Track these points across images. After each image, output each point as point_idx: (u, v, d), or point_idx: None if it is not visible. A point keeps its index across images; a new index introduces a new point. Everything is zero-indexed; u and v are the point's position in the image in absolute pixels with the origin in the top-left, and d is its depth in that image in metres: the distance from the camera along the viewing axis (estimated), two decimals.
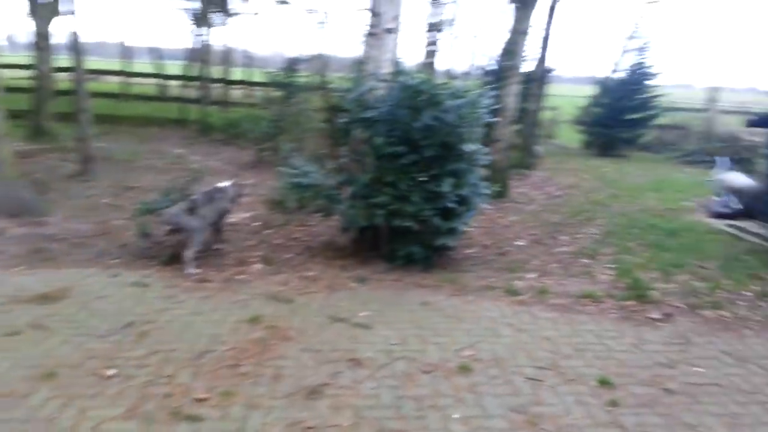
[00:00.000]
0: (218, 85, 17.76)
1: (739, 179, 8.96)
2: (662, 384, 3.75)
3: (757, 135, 14.43)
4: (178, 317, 4.44)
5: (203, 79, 16.53)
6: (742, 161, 13.31)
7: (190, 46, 24.90)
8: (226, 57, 22.13)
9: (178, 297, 4.81)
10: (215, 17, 19.90)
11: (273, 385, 3.56)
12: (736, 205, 8.47)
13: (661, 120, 18.76)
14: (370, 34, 5.99)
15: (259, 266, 5.66)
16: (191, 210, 5.49)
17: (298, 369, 3.77)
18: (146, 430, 3.03)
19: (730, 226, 8.02)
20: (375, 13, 5.91)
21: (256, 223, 7.18)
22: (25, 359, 3.66)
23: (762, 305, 5.15)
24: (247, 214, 7.56)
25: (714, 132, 16.89)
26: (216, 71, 18.61)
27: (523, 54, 10.24)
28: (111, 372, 3.58)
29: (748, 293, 5.43)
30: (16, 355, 3.71)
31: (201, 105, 15.90)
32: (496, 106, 7.29)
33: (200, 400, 3.33)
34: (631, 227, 7.71)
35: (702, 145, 15.81)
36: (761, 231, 7.62)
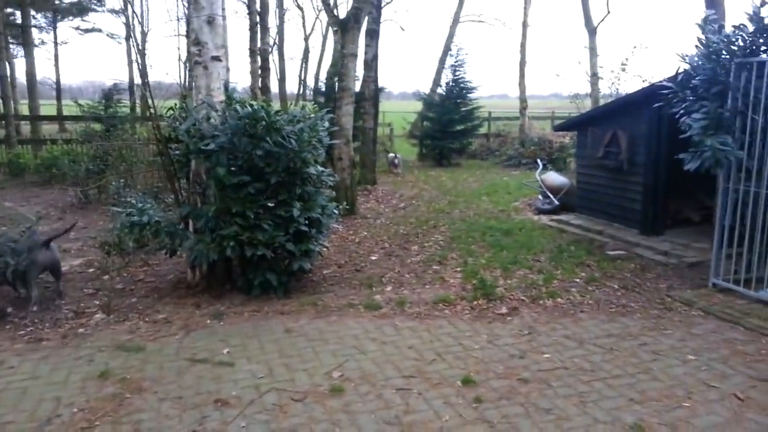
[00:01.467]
0: (25, 121, 16.05)
1: (554, 178, 10.07)
2: (517, 375, 4.06)
3: (564, 137, 16.36)
4: (11, 384, 3.91)
5: (7, 117, 14.84)
6: (554, 161, 15.00)
7: None
8: (32, 90, 20.14)
9: (9, 361, 4.25)
10: (13, 48, 18.03)
11: None
12: (554, 201, 9.51)
13: (484, 129, 20.50)
14: (197, 63, 5.83)
15: (100, 315, 5.19)
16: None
17: (159, 420, 3.51)
18: None
19: (554, 220, 8.97)
20: (199, 42, 5.76)
21: (91, 269, 6.59)
22: None
23: (591, 289, 5.82)
24: (79, 261, 6.92)
25: (528, 136, 18.83)
26: (21, 106, 16.82)
27: (355, 75, 10.60)
28: None
29: (578, 280, 6.10)
30: None
31: (7, 145, 14.25)
32: (334, 128, 7.47)
33: None
34: (472, 231, 8.29)
35: (520, 149, 17.52)
36: (581, 222, 8.62)
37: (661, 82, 6.00)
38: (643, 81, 15.03)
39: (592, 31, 19.70)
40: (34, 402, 3.71)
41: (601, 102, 16.89)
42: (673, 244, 7.22)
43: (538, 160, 11.62)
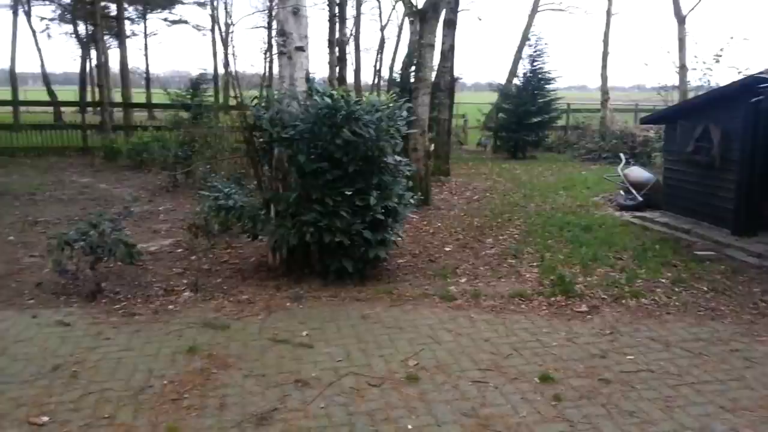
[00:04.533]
0: (118, 108, 17.01)
1: (638, 173, 9.67)
2: (598, 375, 3.96)
3: (648, 131, 15.63)
4: (108, 355, 4.20)
5: (103, 104, 15.77)
6: (637, 156, 14.37)
7: (81, 69, 23.72)
8: (124, 79, 21.28)
9: (106, 333, 4.55)
10: (108, 40, 19.11)
11: (219, 415, 3.45)
12: (637, 197, 9.14)
13: (562, 121, 19.90)
14: (281, 53, 5.99)
15: (188, 294, 5.46)
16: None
17: (244, 396, 3.67)
18: None
19: (637, 217, 8.63)
20: (284, 33, 5.92)
21: (179, 250, 6.93)
22: None
23: (677, 290, 5.57)
24: (168, 241, 7.29)
25: (609, 130, 18.11)
26: (115, 94, 17.83)
27: (431, 65, 10.56)
28: (44, 419, 3.33)
29: (664, 280, 5.85)
30: None
31: (103, 131, 15.15)
32: (411, 118, 7.47)
33: None
34: (548, 225, 8.10)
35: (600, 142, 16.91)
36: (666, 220, 8.25)
37: (761, 74, 5.62)
38: (739, 73, 14.11)
39: (681, 20, 18.67)
40: (128, 372, 3.96)
41: (690, 95, 16.01)
42: (767, 246, 6.79)
43: (621, 155, 11.18)
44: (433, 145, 12.43)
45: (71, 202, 9.46)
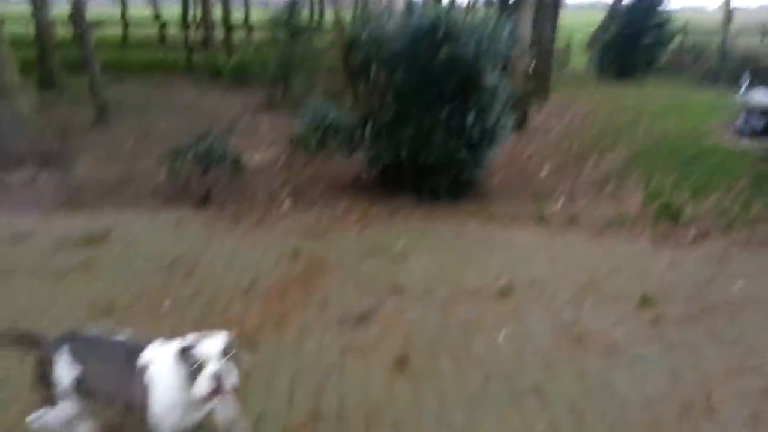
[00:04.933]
0: (220, 28, 17.37)
1: (763, 96, 8.80)
2: (702, 301, 3.83)
3: None
4: (219, 255, 4.53)
5: (206, 22, 16.17)
6: (762, 80, 13.02)
7: None
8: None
9: (216, 236, 4.89)
10: None
11: (321, 313, 3.67)
12: (759, 123, 8.37)
13: (675, 43, 18.26)
14: None
15: (289, 204, 5.71)
16: None
17: (343, 298, 3.86)
18: None
19: (756, 145, 7.95)
20: None
21: (279, 163, 7.19)
22: (82, 298, 3.77)
23: None
24: (269, 155, 7.56)
25: (731, 52, 16.46)
26: (216, 13, 18.17)
27: None
28: (166, 307, 3.69)
29: None
30: (74, 295, 3.82)
31: (206, 49, 15.61)
32: (512, 37, 7.13)
33: (255, 329, 3.44)
34: (656, 150, 7.66)
35: (719, 66, 15.45)
36: None
37: None
38: None
39: None
40: (238, 271, 4.26)
41: None
42: None
43: (743, 77, 10.17)
44: (533, 66, 11.88)
45: (179, 116, 9.96)
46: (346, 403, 2.77)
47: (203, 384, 2.09)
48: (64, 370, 2.28)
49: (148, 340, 2.31)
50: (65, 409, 2.32)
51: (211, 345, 2.13)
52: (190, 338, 2.21)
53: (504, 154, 7.46)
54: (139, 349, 2.26)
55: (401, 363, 3.10)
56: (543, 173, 6.88)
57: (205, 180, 5.83)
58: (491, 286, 4.03)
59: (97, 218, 5.17)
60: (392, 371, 3.04)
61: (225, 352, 2.14)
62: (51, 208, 5.44)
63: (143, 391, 2.17)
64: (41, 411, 2.34)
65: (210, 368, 2.09)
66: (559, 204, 5.74)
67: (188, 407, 2.18)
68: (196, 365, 2.10)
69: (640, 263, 4.40)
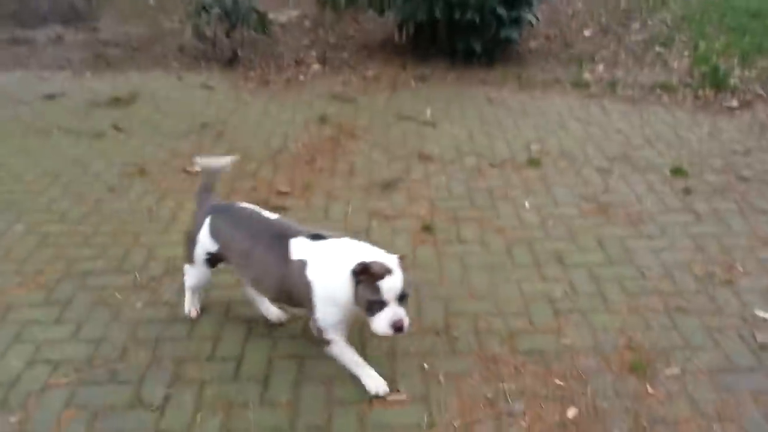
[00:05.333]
0: None
1: None
2: (737, 172, 3.73)
3: None
4: (248, 117, 4.52)
5: None
6: None
7: None
8: None
9: (244, 98, 4.85)
10: None
11: (348, 178, 3.70)
12: None
13: None
14: None
15: (317, 66, 5.56)
16: None
17: (370, 164, 3.87)
18: None
19: None
20: None
21: (307, 22, 6.90)
22: (115, 159, 3.87)
23: None
24: (296, 12, 7.24)
25: None
26: None
27: None
28: (197, 169, 3.76)
29: None
30: (107, 156, 3.92)
31: None
32: None
33: (284, 193, 3.51)
34: (709, 10, 7.07)
35: None
36: None
37: None
38: None
39: None
40: (267, 134, 4.27)
41: None
42: None
43: None
44: None
45: None
46: None
47: (383, 324, 1.91)
48: (204, 241, 2.27)
49: (297, 229, 2.16)
50: (196, 274, 2.38)
51: (393, 281, 1.88)
52: (354, 249, 2.02)
53: (545, 12, 7.02)
54: (285, 236, 2.11)
55: (426, 228, 3.16)
56: (585, 34, 6.48)
57: (231, 39, 5.66)
58: (521, 155, 3.97)
59: (124, 78, 5.16)
60: (417, 236, 3.11)
61: (404, 286, 1.92)
62: (79, 67, 5.42)
63: (306, 287, 2.04)
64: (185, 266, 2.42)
65: (392, 311, 1.90)
66: (600, 68, 5.46)
67: (350, 315, 2.08)
68: (376, 299, 1.89)
69: (678, 132, 4.25)
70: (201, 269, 2.35)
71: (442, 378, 2.22)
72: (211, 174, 2.48)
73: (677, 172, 3.71)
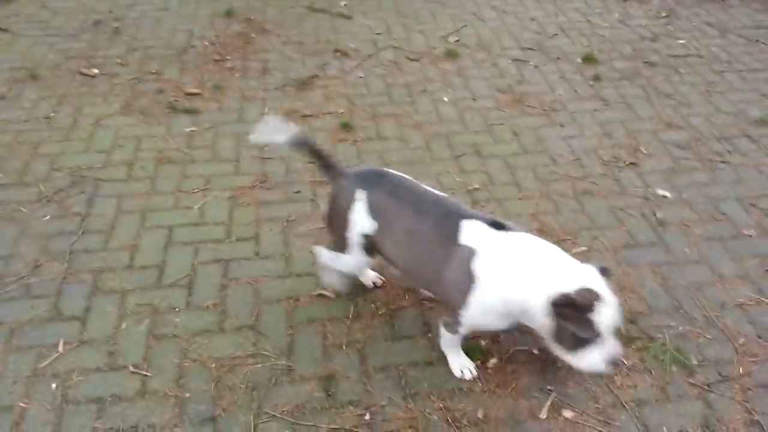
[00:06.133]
0: None
1: None
2: (644, 57, 3.86)
3: None
4: (146, 13, 4.16)
5: None
6: None
7: None
8: None
9: None
10: None
11: (262, 78, 3.54)
12: None
13: None
14: None
15: None
16: None
17: (284, 62, 3.71)
18: (148, 123, 3.08)
19: None
20: None
21: None
22: (1, 63, 3.50)
23: None
24: None
25: None
26: None
27: None
28: (94, 71, 3.48)
29: None
30: None
31: None
32: None
33: (193, 95, 3.33)
34: None
35: None
36: None
37: None
38: None
39: None
40: (168, 32, 3.96)
41: None
42: None
43: None
44: None
45: None
46: (291, 167, 2.83)
47: (597, 362, 1.54)
48: (358, 220, 1.83)
49: (472, 211, 1.76)
50: (350, 260, 1.95)
51: (608, 312, 1.48)
52: (544, 256, 1.59)
53: None
54: (457, 216, 1.71)
55: (345, 126, 3.12)
56: None
57: None
58: (437, 48, 3.92)
59: None
60: (336, 134, 3.07)
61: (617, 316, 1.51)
62: None
63: (466, 281, 1.65)
64: (327, 250, 2.03)
65: (608, 346, 1.52)
66: None
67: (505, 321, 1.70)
68: (587, 336, 1.50)
69: (590, 19, 4.30)
70: (356, 255, 1.91)
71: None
72: (298, 145, 1.95)
73: (588, 59, 3.80)
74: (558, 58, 3.82)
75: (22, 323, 2.03)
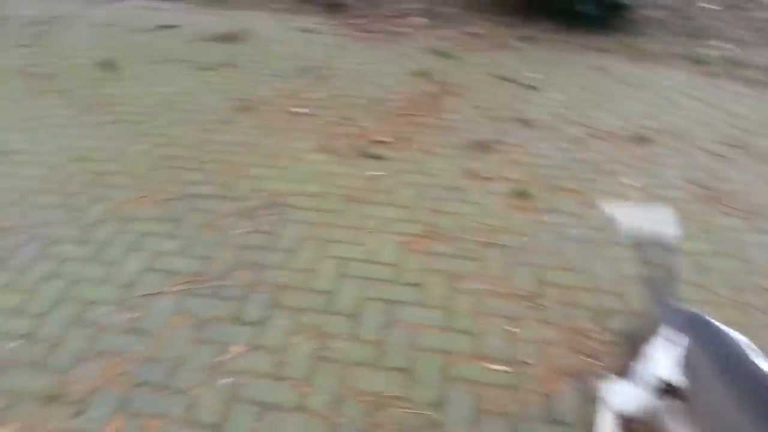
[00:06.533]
0: None
1: None
2: None
3: None
4: (349, 65, 4.55)
5: None
6: None
7: None
8: None
9: (347, 45, 4.88)
10: None
11: (445, 136, 3.67)
12: None
13: None
14: None
15: (419, 19, 5.49)
16: None
17: (469, 124, 3.83)
18: (339, 162, 3.33)
19: None
20: None
21: None
22: (224, 92, 4.01)
23: None
24: None
25: None
26: None
27: None
28: (300, 110, 3.85)
29: None
30: (216, 88, 4.07)
31: None
32: None
33: (381, 142, 3.55)
34: None
35: None
36: None
37: None
38: None
39: None
40: (367, 83, 4.27)
41: None
42: None
43: None
44: None
45: None
46: (463, 223, 2.88)
47: None
48: (662, 365, 1.49)
49: None
50: (630, 396, 1.63)
51: None
52: None
53: None
54: None
55: (521, 194, 3.12)
56: (710, 7, 6.04)
57: None
58: (626, 130, 3.81)
59: (232, 16, 5.28)
60: (511, 200, 3.08)
61: None
62: (191, 1, 5.60)
63: None
64: (615, 381, 1.75)
65: None
66: (723, 46, 5.10)
67: None
68: None
69: None
70: (641, 393, 1.57)
71: (528, 343, 2.23)
72: (660, 250, 1.64)
73: None
74: (763, 159, 3.53)
75: (208, 319, 2.25)
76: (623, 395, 1.67)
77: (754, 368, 1.33)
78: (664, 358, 1.48)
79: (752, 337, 2.26)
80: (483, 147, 3.57)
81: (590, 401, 1.96)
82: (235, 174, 3.14)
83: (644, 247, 1.65)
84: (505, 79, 4.44)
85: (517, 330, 2.28)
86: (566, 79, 4.46)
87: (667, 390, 1.49)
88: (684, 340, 1.46)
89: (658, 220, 1.62)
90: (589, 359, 2.18)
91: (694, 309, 1.59)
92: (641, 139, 3.70)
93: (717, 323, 1.50)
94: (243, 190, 3.02)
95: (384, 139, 3.58)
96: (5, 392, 1.95)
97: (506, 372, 2.11)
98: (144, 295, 2.34)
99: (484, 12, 5.69)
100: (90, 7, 5.36)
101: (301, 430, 1.87)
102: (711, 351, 1.42)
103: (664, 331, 1.51)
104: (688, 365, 1.43)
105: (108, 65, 4.26)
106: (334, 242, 2.69)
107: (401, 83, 4.31)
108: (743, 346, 1.42)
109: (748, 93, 4.32)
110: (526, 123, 3.86)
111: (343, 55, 4.71)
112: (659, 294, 1.64)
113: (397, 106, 3.99)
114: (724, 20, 5.67)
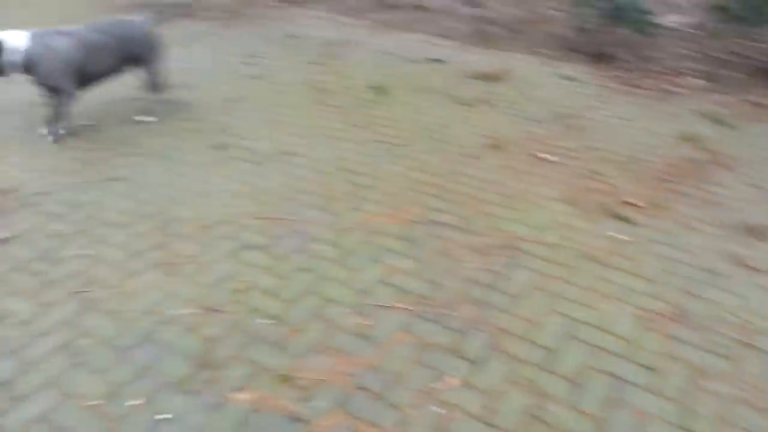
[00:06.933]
0: None
1: None
2: None
3: None
4: (607, 118, 4.36)
5: None
6: None
7: None
8: None
9: (608, 97, 4.69)
10: None
11: (710, 211, 3.30)
12: None
13: None
14: None
15: (696, 81, 5.05)
16: None
17: (740, 203, 3.39)
18: (581, 216, 3.19)
19: None
20: None
21: (690, 30, 6.28)
22: (477, 128, 4.12)
23: None
24: (685, 19, 6.64)
25: None
26: None
27: None
28: (549, 156, 3.79)
29: None
30: (471, 124, 4.20)
31: None
32: None
33: (630, 204, 3.31)
34: None
35: None
36: None
37: None
38: None
39: None
40: (625, 140, 4.04)
41: None
42: None
43: None
44: None
45: None
46: (717, 313, 2.55)
47: None
48: None
49: None
50: None
51: None
52: None
53: None
54: None
55: None
56: None
57: (607, 35, 5.49)
58: None
59: (496, 57, 5.42)
60: None
61: None
62: (462, 38, 5.89)
63: None
64: None
65: None
66: None
67: None
68: None
69: None
70: None
71: None
72: None
73: None
74: None
75: (431, 344, 2.31)
76: None
77: None
78: None
79: None
80: (756, 232, 3.13)
81: None
82: (475, 209, 3.19)
83: None
84: None
85: None
86: None
87: None
88: None
89: None
90: None
91: None
92: None
93: None
94: (480, 225, 3.05)
95: (636, 202, 3.34)
96: (250, 362, 2.21)
97: None
98: (377, 305, 2.48)
99: None
100: (374, 35, 5.95)
101: None
102: None
103: None
104: None
105: (379, 89, 4.66)
106: (565, 299, 2.58)
107: (665, 145, 4.00)
108: None
109: None
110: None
111: (602, 106, 4.53)
112: None
113: (656, 169, 3.71)
114: None
